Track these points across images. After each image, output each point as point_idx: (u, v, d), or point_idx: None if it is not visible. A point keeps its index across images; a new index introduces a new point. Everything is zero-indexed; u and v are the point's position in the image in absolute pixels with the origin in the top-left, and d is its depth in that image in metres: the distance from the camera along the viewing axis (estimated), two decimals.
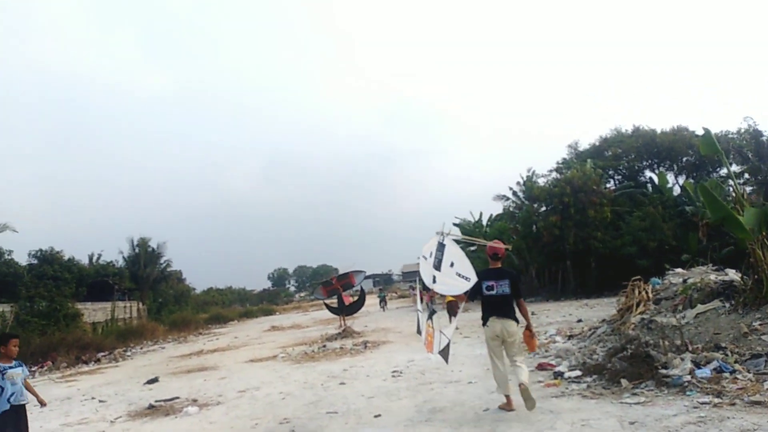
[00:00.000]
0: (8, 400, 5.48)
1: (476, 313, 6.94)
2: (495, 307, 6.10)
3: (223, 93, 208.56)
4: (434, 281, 6.40)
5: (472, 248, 37.43)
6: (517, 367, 5.82)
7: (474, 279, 6.12)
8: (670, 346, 6.95)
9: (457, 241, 6.85)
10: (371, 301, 38.22)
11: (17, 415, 5.59)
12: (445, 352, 6.42)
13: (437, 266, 6.40)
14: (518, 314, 6.03)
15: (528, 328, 6.14)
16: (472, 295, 6.40)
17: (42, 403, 6.02)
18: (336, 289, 24.36)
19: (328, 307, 25.33)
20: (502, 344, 6.02)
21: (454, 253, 6.35)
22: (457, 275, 6.25)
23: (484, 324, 6.20)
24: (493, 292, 6.12)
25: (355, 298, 25.04)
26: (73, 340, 19.67)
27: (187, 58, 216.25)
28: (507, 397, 6.02)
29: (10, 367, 5.58)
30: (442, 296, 8.57)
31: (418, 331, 7.15)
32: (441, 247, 6.44)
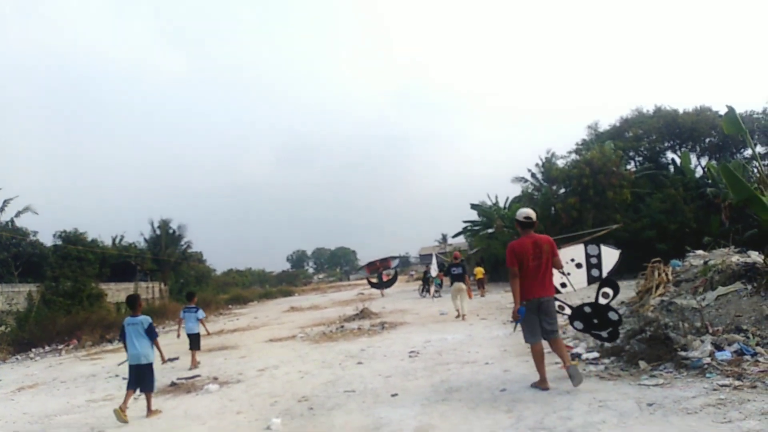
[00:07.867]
0: (189, 327, 10.88)
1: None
2: (456, 278, 14.12)
3: (238, 75, 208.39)
4: (431, 269, 27.43)
5: (490, 230, 37.51)
6: (464, 305, 14.05)
7: (438, 269, 26.84)
8: (689, 329, 6.88)
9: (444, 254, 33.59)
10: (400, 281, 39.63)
11: (196, 338, 10.91)
12: (433, 296, 24.39)
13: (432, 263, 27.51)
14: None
15: (468, 288, 14.24)
16: (447, 273, 15.83)
17: (207, 333, 12.04)
18: (378, 269, 34.61)
19: (369, 282, 35.17)
20: (459, 293, 14.00)
21: (435, 259, 28.70)
22: (435, 267, 27.34)
23: (451, 285, 14.44)
24: (455, 272, 14.21)
25: (390, 277, 34.96)
26: (98, 319, 20.10)
27: (203, 39, 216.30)
28: (461, 312, 13.91)
29: (190, 310, 11.08)
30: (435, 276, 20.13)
31: (430, 292, 25.08)
32: (436, 256, 30.56)
